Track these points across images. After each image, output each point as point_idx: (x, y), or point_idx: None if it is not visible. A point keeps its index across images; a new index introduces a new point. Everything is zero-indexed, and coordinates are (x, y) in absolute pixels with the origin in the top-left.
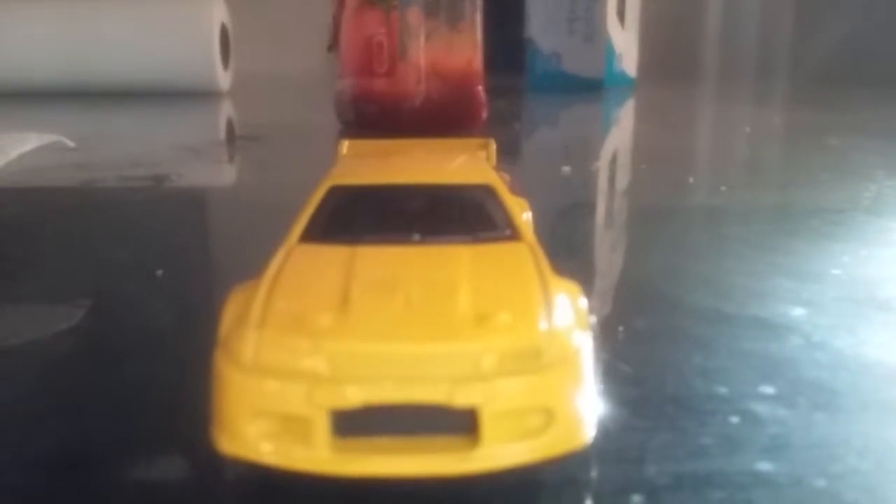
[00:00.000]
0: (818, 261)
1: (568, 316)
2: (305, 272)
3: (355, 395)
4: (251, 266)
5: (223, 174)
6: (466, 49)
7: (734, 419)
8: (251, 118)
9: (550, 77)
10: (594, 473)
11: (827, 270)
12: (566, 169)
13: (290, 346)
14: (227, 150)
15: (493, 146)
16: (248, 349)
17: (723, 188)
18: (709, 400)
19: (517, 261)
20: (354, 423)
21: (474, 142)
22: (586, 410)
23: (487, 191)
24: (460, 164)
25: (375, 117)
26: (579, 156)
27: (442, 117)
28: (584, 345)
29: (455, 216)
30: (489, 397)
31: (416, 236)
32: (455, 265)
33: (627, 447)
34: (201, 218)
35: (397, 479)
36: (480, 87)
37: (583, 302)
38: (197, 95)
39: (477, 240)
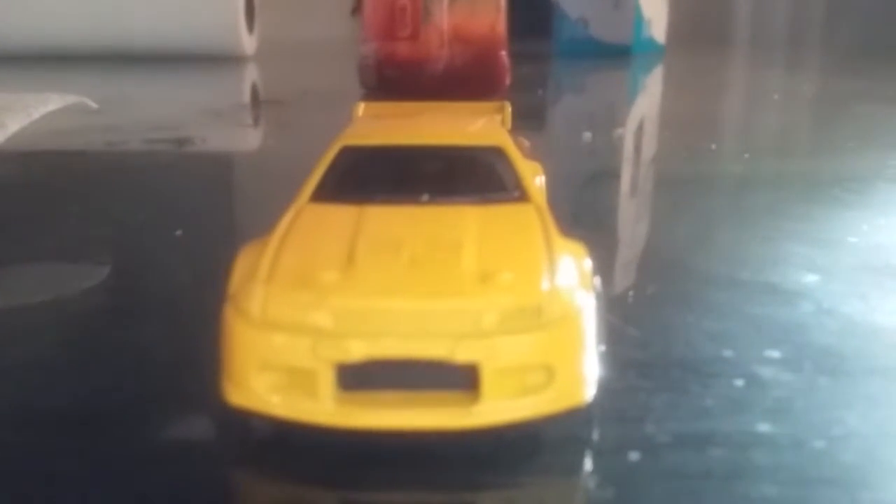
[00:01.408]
0: (835, 228)
1: (571, 276)
2: (314, 231)
3: (358, 350)
4: (268, 226)
5: (246, 138)
6: (490, 13)
7: (739, 382)
8: (275, 83)
9: (577, 43)
10: (595, 431)
11: (844, 238)
12: (587, 135)
13: (296, 302)
14: (250, 114)
15: (509, 109)
16: (256, 304)
17: (746, 155)
18: (714, 363)
19: (523, 222)
20: (359, 378)
21: (490, 105)
22: (587, 369)
23: (498, 152)
24: (472, 125)
25: (398, 82)
26: (604, 123)
27: (465, 82)
28: (586, 305)
29: (464, 177)
30: (490, 354)
31: (425, 196)
32: (461, 225)
33: (630, 407)
34: (223, 180)
35: (400, 431)
36: (504, 52)
37: (587, 263)
38: (221, 60)
39: (485, 200)
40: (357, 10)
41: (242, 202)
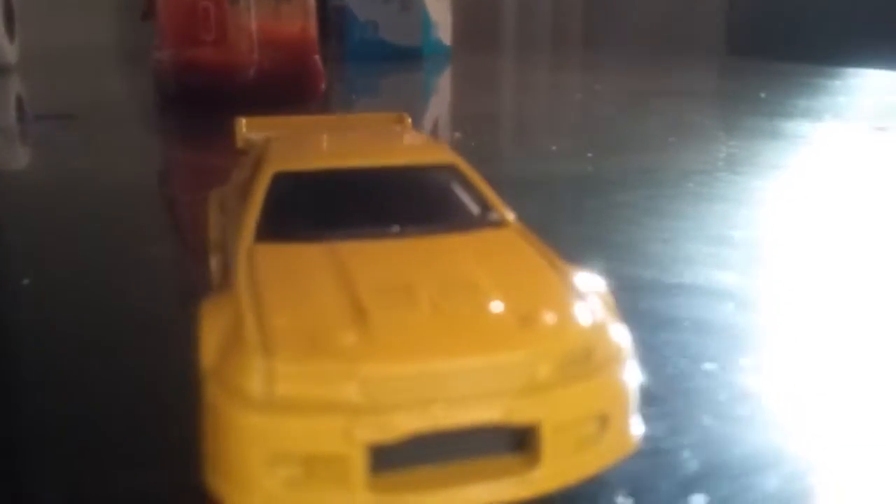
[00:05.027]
0: (713, 224)
1: (600, 306)
2: (290, 279)
3: (403, 425)
4: (126, 264)
5: (43, 158)
6: (298, 16)
7: (727, 395)
8: (53, 95)
9: (368, 45)
10: (629, 470)
11: (727, 232)
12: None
13: (315, 374)
14: (39, 130)
15: (409, 121)
16: (257, 381)
17: (589, 154)
18: (696, 378)
19: (518, 249)
20: (393, 456)
21: (388, 116)
22: (634, 409)
23: (453, 170)
24: (411, 142)
25: (204, 90)
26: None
27: (278, 88)
28: (625, 337)
29: (428, 201)
30: (551, 410)
31: (395, 227)
32: (459, 260)
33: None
34: (45, 210)
35: None
36: (317, 57)
37: (604, 286)
38: None
39: (464, 228)
40: (149, 14)
41: (81, 235)
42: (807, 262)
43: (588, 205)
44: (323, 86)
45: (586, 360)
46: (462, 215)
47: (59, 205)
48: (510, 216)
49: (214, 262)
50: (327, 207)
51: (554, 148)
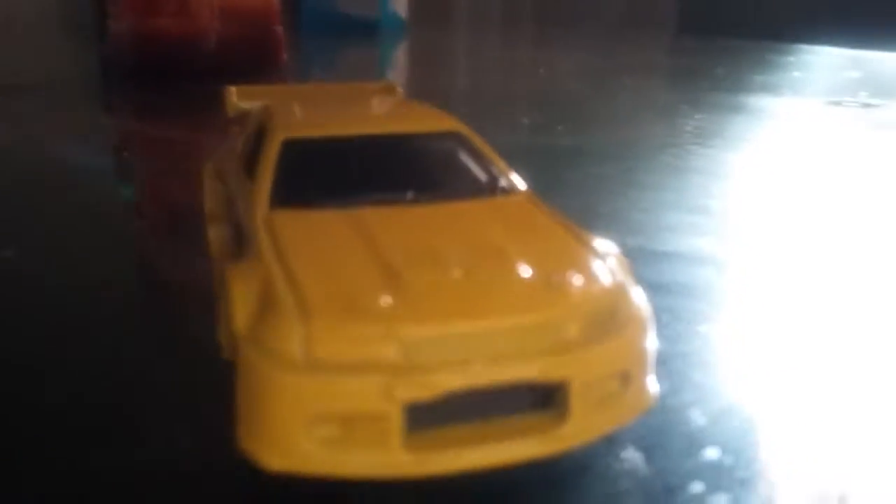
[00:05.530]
0: (691, 195)
1: (620, 270)
2: (315, 244)
3: (443, 383)
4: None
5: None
6: None
7: (739, 359)
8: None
9: (324, 16)
10: (642, 427)
11: (705, 202)
12: None
13: (352, 335)
14: None
15: (400, 90)
16: (295, 343)
17: (560, 128)
18: (693, 340)
19: (535, 215)
20: (427, 415)
21: (378, 85)
22: (652, 368)
23: (458, 138)
24: (414, 110)
25: (163, 61)
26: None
27: (239, 59)
28: (643, 298)
29: (438, 168)
30: (580, 368)
31: (409, 194)
32: (481, 225)
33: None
34: (28, 184)
35: (485, 470)
36: (279, 27)
37: (618, 250)
38: None
39: (478, 195)
40: None
41: (65, 211)
42: (779, 228)
43: (568, 176)
44: (285, 56)
45: (610, 320)
46: (474, 182)
47: (39, 177)
48: (520, 183)
49: (213, 232)
50: (340, 174)
51: (525, 121)
